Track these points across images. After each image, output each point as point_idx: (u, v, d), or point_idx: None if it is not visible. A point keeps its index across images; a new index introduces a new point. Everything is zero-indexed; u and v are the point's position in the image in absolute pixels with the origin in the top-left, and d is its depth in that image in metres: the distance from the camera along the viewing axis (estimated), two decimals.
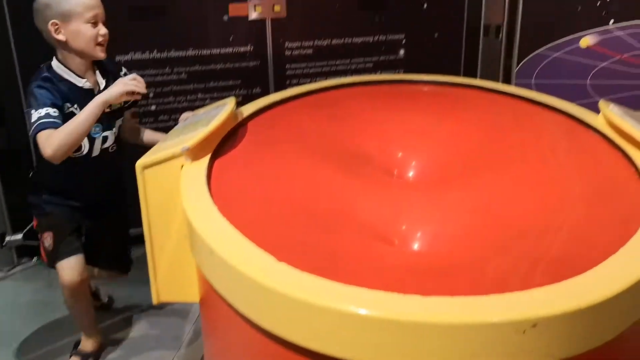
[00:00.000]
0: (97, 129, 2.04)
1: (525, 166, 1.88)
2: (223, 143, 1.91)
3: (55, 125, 1.85)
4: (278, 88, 3.04)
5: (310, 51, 3.15)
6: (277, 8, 2.99)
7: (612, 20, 3.13)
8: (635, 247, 1.28)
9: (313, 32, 3.12)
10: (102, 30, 1.95)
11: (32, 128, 1.85)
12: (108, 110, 2.03)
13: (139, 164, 1.66)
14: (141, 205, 1.69)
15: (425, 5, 3.31)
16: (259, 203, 1.61)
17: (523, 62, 3.40)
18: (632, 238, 1.30)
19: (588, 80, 3.26)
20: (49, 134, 1.83)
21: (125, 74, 2.11)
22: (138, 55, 2.80)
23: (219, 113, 1.91)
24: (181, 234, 1.65)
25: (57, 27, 1.89)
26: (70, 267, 2.10)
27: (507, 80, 3.53)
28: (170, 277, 1.75)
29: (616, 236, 1.32)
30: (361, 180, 1.92)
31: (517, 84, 3.39)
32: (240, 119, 2.11)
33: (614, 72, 3.20)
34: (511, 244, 1.48)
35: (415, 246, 1.66)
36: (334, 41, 3.18)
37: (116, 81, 1.97)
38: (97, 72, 2.06)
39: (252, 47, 3.01)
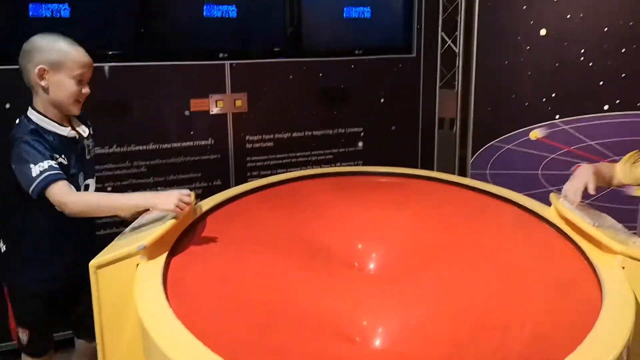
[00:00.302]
0: (80, 175, 2.01)
1: (483, 259, 1.90)
2: (181, 239, 1.89)
3: (62, 177, 1.82)
4: (239, 181, 3.06)
5: (271, 144, 3.21)
6: (238, 103, 3.07)
7: (557, 115, 3.30)
8: (591, 345, 1.29)
9: (274, 125, 3.20)
10: (85, 89, 1.95)
11: (37, 182, 1.78)
12: (89, 157, 2.02)
13: (92, 264, 1.61)
14: (94, 305, 1.63)
15: (382, 100, 3.44)
16: (216, 304, 1.57)
17: (477, 153, 3.53)
18: (589, 335, 1.31)
19: (539, 170, 3.39)
20: (65, 187, 1.80)
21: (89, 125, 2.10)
22: (97, 150, 2.79)
23: None
24: (135, 336, 1.59)
25: (43, 72, 1.87)
26: None
27: (462, 171, 3.64)
28: None
29: (573, 332, 1.33)
30: (322, 275, 1.91)
31: (472, 175, 3.49)
32: (199, 213, 2.10)
33: (562, 162, 3.34)
34: (473, 341, 1.47)
35: (377, 343, 1.63)
36: (294, 134, 3.26)
37: (167, 193, 1.87)
38: (74, 119, 2.04)
39: (213, 141, 3.05)
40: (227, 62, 3.00)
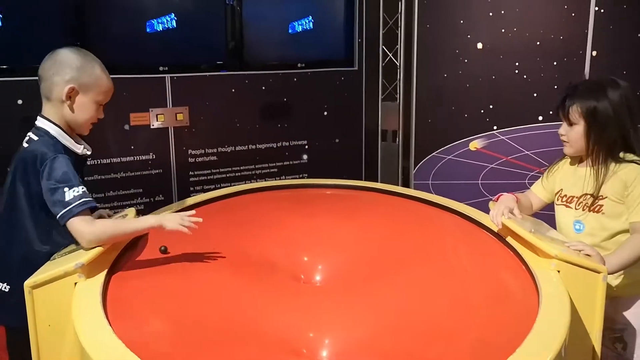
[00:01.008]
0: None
1: (427, 268, 1.93)
2: (121, 257, 1.84)
3: (93, 207, 1.75)
4: (181, 196, 3.02)
5: (214, 158, 3.18)
6: (180, 117, 3.03)
7: (495, 126, 3.40)
8: (530, 346, 1.32)
9: (217, 139, 3.17)
10: (102, 114, 1.92)
11: (71, 206, 1.69)
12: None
13: (27, 284, 1.55)
14: (29, 327, 1.57)
15: (325, 113, 3.47)
16: (158, 323, 1.53)
17: (419, 164, 3.59)
18: (527, 337, 1.35)
19: (479, 180, 3.48)
20: (89, 220, 1.71)
21: None
22: None
23: None
24: (74, 357, 1.53)
25: (71, 92, 1.82)
26: None
27: (406, 181, 3.71)
28: None
29: (513, 335, 1.36)
30: (267, 289, 1.89)
31: (415, 185, 3.55)
32: None
33: (501, 172, 3.44)
34: (419, 351, 1.49)
35: (324, 354, 1.63)
36: (238, 148, 3.24)
37: (171, 215, 1.90)
38: (76, 136, 1.96)
39: (155, 156, 3.00)
40: (168, 76, 2.96)
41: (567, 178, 2.05)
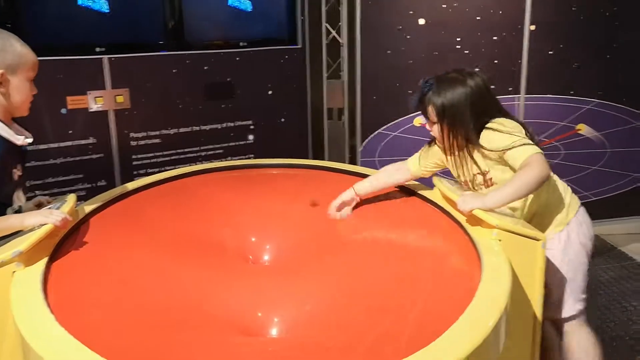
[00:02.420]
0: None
1: (375, 244, 1.95)
2: (62, 243, 1.78)
3: None
4: (124, 180, 2.94)
5: (157, 140, 3.11)
6: (119, 99, 2.95)
7: None
8: (473, 313, 1.36)
9: (159, 121, 3.10)
10: (34, 89, 1.82)
11: None
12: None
13: None
14: None
15: (270, 92, 3.44)
16: (103, 309, 1.50)
17: (366, 141, 3.62)
18: (470, 305, 1.39)
19: None
20: None
21: None
22: None
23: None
24: (14, 349, 1.48)
25: (2, 77, 1.71)
26: None
27: (353, 159, 3.73)
28: None
29: (456, 304, 1.40)
30: (215, 270, 1.87)
31: (362, 162, 3.58)
32: (82, 215, 2.00)
33: None
34: (366, 324, 1.51)
35: (273, 332, 1.63)
36: (182, 130, 3.18)
37: (35, 212, 1.80)
38: (14, 123, 1.86)
39: (95, 140, 2.91)
40: (106, 57, 2.87)
41: (451, 165, 2.10)
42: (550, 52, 3.44)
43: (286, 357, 1.35)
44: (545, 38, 3.42)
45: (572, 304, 2.01)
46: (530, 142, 1.84)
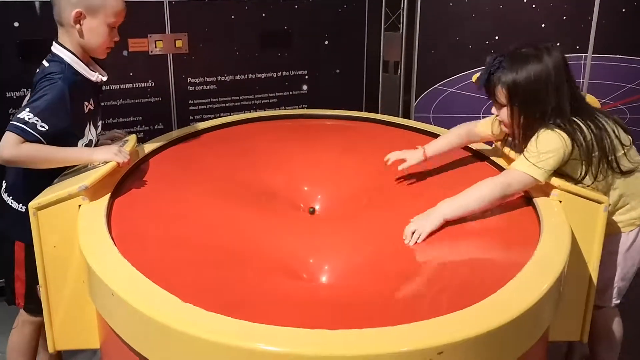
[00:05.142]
0: (99, 121, 1.95)
1: (427, 198, 1.93)
2: (123, 181, 1.84)
3: (32, 140, 1.65)
4: (181, 124, 2.99)
5: (213, 87, 3.13)
6: (179, 43, 2.96)
7: None
8: (531, 271, 1.35)
9: (216, 68, 3.11)
10: (116, 36, 1.87)
11: (16, 124, 1.64)
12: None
13: (32, 205, 1.56)
14: (35, 249, 1.59)
15: (326, 42, 3.39)
16: (162, 243, 1.55)
17: (421, 96, 3.55)
18: (529, 262, 1.37)
19: (481, 113, 3.45)
20: (18, 143, 1.64)
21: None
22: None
23: None
24: (79, 278, 1.56)
25: (79, 16, 1.76)
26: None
27: (406, 114, 3.67)
28: (67, 324, 1.64)
29: (514, 262, 1.39)
30: (268, 215, 1.91)
31: (415, 118, 3.53)
32: (141, 156, 2.05)
33: None
34: (416, 274, 1.52)
35: (324, 279, 1.66)
36: (237, 77, 3.19)
37: (105, 147, 1.85)
38: (93, 61, 1.94)
39: (154, 83, 2.95)
40: (166, 0, 2.87)
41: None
42: (623, 10, 3.27)
43: (341, 303, 1.37)
44: None
45: (611, 295, 1.96)
46: (543, 166, 1.67)
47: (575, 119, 1.72)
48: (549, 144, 1.68)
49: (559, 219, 1.57)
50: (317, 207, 2.14)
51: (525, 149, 1.74)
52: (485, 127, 2.05)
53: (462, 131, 2.12)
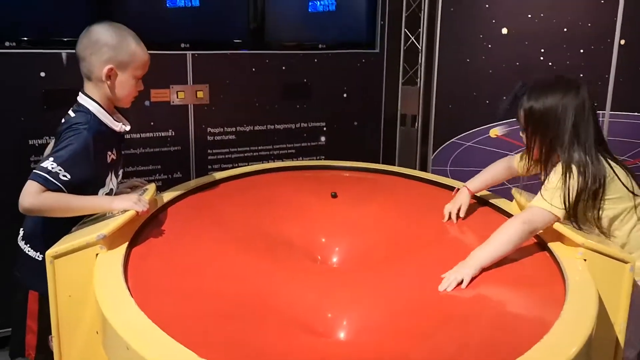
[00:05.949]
0: (120, 170, 2.00)
1: (446, 252, 1.91)
2: (141, 230, 1.84)
3: (54, 189, 1.66)
4: (199, 173, 3.00)
5: (232, 137, 3.16)
6: (200, 94, 3.01)
7: None
8: (557, 335, 1.30)
9: (236, 118, 3.15)
10: (141, 86, 1.93)
11: (40, 172, 1.65)
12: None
13: (49, 253, 1.55)
14: (49, 297, 1.57)
15: (345, 95, 3.43)
16: (179, 295, 1.53)
17: (438, 150, 3.56)
18: (554, 325, 1.33)
19: None
20: (39, 193, 1.64)
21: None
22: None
23: None
24: (93, 328, 1.53)
25: (111, 72, 1.82)
26: None
27: (423, 167, 3.67)
28: None
29: (538, 324, 1.35)
30: (285, 268, 1.88)
31: (433, 171, 3.52)
32: (160, 205, 2.05)
33: None
34: (436, 331, 1.47)
35: (342, 335, 1.62)
36: (257, 127, 3.22)
37: (125, 196, 1.87)
38: (116, 111, 1.99)
39: (174, 132, 2.99)
40: (189, 53, 2.94)
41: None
42: None
43: None
44: (636, 53, 3.27)
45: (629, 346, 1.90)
46: (556, 204, 1.70)
47: (600, 156, 1.77)
48: (557, 179, 1.73)
49: (585, 278, 1.53)
50: (334, 260, 2.11)
51: (543, 185, 1.78)
52: (517, 159, 2.11)
53: (504, 164, 2.17)
